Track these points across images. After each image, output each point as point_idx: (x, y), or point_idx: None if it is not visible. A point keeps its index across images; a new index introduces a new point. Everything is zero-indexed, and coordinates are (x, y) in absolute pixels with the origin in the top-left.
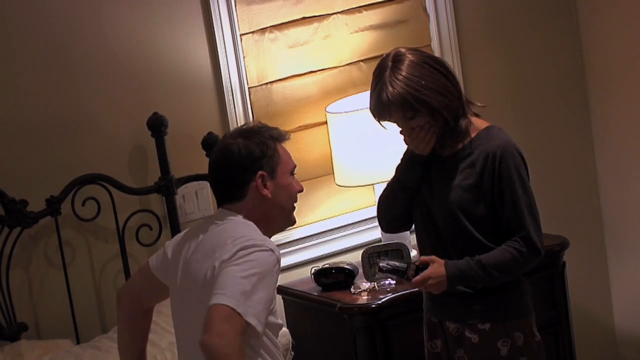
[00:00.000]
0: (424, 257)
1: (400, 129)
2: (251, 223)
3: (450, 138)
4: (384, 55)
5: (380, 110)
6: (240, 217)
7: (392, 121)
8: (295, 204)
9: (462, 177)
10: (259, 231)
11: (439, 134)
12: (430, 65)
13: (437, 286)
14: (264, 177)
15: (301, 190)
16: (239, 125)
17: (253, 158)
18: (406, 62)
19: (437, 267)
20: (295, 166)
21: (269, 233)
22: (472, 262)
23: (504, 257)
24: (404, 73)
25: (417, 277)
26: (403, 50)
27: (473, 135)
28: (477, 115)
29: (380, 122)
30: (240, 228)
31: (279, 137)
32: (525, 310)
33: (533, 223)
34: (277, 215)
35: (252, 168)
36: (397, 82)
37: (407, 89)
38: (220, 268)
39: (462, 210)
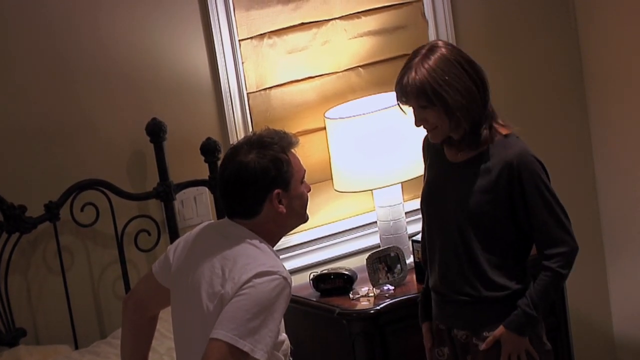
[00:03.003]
0: (489, 341)
1: (414, 118)
2: (265, 246)
3: (469, 143)
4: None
5: (399, 93)
6: (253, 235)
7: (408, 105)
8: (307, 206)
9: (478, 183)
10: (272, 254)
11: (452, 133)
12: (461, 65)
13: (518, 346)
14: (279, 194)
15: (309, 191)
16: (237, 130)
17: (269, 178)
18: (437, 54)
19: (505, 338)
20: (305, 171)
21: (283, 235)
22: (523, 305)
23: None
24: (431, 63)
25: None
26: (441, 43)
27: (491, 142)
28: (498, 122)
29: (399, 104)
30: (253, 249)
31: (289, 145)
32: None
33: (563, 225)
34: (291, 222)
35: (267, 188)
36: (422, 69)
37: (428, 79)
38: (232, 291)
39: (474, 216)
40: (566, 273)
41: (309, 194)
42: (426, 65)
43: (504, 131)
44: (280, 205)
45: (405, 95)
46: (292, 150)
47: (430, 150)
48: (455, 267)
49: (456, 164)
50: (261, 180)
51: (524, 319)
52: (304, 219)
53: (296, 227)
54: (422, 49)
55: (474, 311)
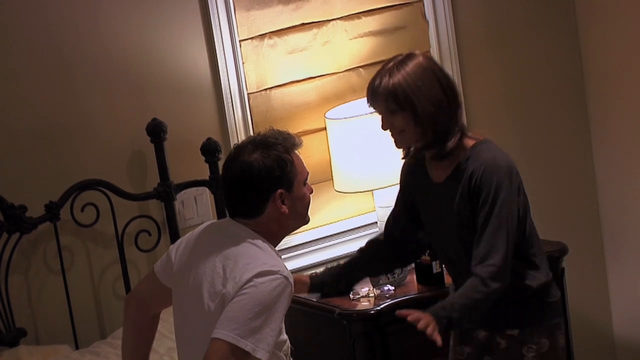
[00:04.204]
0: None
1: (381, 121)
2: (266, 246)
3: (435, 156)
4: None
5: (370, 95)
6: (255, 235)
7: (378, 110)
8: (309, 208)
9: (458, 201)
10: (273, 254)
11: (418, 143)
12: (435, 74)
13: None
14: (282, 194)
15: (312, 192)
16: (237, 131)
17: (272, 178)
18: (414, 62)
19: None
20: (308, 173)
21: (284, 236)
22: (448, 303)
23: (467, 294)
24: (407, 69)
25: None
26: (418, 52)
27: (463, 156)
28: (467, 134)
29: (370, 106)
30: (254, 249)
31: (293, 146)
32: (553, 316)
33: (499, 247)
34: (292, 223)
35: (271, 188)
36: (397, 74)
37: (402, 83)
38: (233, 291)
39: (465, 228)
40: (493, 286)
41: (311, 195)
42: (401, 70)
43: (471, 141)
44: (283, 206)
45: (375, 96)
46: (296, 152)
47: (413, 174)
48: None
49: (440, 184)
50: (265, 180)
51: (439, 311)
52: (305, 220)
53: (298, 228)
54: (399, 56)
55: (494, 312)
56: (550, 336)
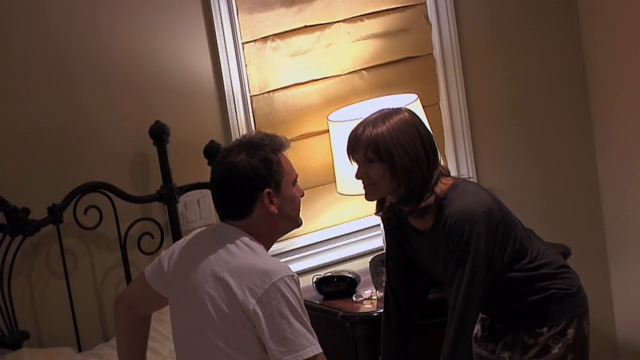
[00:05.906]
0: None
1: (357, 170)
2: (257, 245)
3: (413, 213)
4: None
5: (351, 142)
6: (248, 238)
7: (354, 157)
8: (300, 210)
9: (443, 250)
10: (265, 254)
11: (390, 195)
12: (418, 131)
13: None
14: (270, 194)
15: (302, 195)
16: (240, 133)
17: (259, 177)
18: (399, 116)
19: None
20: (297, 175)
21: (276, 239)
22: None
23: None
24: (391, 121)
25: None
26: (404, 109)
27: (441, 202)
28: (444, 174)
29: (349, 155)
30: (247, 252)
31: (281, 147)
32: (576, 306)
33: (465, 287)
34: (283, 225)
35: (258, 187)
36: (380, 125)
37: (383, 134)
38: (243, 301)
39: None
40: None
41: (302, 198)
42: (386, 123)
43: (445, 187)
44: (272, 206)
45: (356, 144)
46: (285, 154)
47: (399, 225)
48: (495, 308)
49: (427, 232)
50: (251, 179)
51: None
52: (297, 222)
53: (289, 231)
54: (385, 109)
55: (523, 317)
56: (576, 326)
